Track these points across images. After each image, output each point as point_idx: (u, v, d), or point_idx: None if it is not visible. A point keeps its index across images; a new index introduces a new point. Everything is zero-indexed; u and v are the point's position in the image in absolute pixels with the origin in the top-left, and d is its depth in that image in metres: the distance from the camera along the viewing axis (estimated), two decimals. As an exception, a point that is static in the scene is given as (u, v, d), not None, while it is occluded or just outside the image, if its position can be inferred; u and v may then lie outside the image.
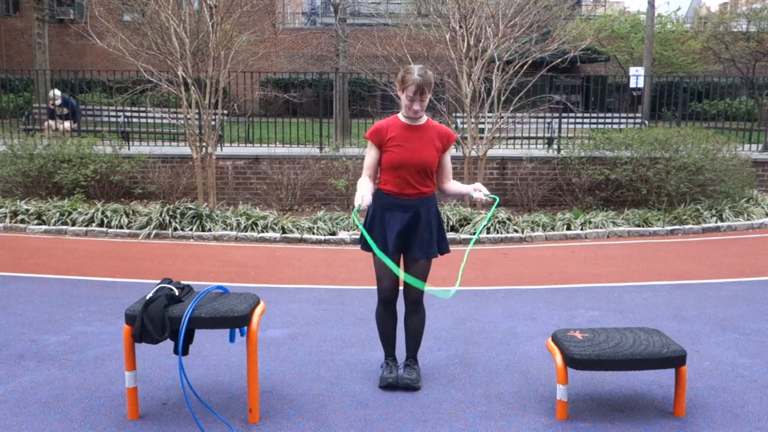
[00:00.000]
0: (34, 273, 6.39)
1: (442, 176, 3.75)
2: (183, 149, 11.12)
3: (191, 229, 8.47)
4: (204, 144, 9.53)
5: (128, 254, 7.38)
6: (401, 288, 3.78)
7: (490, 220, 3.82)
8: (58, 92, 12.40)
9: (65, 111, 12.37)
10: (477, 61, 9.50)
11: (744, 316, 5.13)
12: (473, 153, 9.85)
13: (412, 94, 3.47)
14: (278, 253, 7.60)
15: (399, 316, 3.92)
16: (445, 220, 8.68)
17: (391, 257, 3.60)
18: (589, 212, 9.32)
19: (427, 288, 3.54)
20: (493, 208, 3.78)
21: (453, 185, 3.80)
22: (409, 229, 3.62)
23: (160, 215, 8.56)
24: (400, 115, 3.66)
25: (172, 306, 3.27)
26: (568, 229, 8.74)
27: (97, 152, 10.08)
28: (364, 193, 3.44)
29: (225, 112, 10.69)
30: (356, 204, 3.40)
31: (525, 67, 9.54)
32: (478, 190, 3.61)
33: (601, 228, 8.71)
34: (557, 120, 12.11)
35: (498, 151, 11.31)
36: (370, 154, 3.67)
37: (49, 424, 3.30)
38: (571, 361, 3.26)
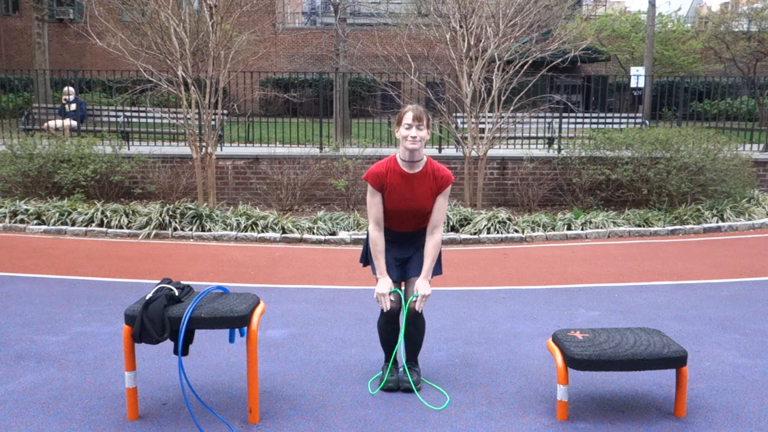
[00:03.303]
0: (33, 273, 6.39)
1: (430, 220, 3.67)
2: (183, 149, 11.12)
3: (191, 229, 8.47)
4: (204, 144, 9.52)
5: (128, 254, 7.38)
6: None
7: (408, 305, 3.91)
8: (72, 89, 12.48)
9: (73, 107, 12.40)
10: (477, 61, 9.49)
11: (745, 316, 5.12)
12: (473, 153, 9.84)
13: (410, 120, 3.49)
14: (278, 253, 7.59)
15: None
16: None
17: (396, 286, 3.68)
18: (589, 212, 9.31)
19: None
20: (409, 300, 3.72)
21: (428, 246, 3.63)
22: (407, 254, 3.77)
23: (160, 215, 8.55)
24: (399, 159, 3.62)
25: (172, 306, 3.26)
26: (569, 229, 8.73)
27: (96, 152, 10.08)
28: (387, 283, 3.58)
29: (225, 112, 10.68)
30: (382, 288, 3.57)
31: (525, 67, 9.53)
32: (420, 297, 3.56)
33: (601, 228, 8.70)
34: (558, 120, 12.11)
35: (498, 151, 11.31)
36: (375, 202, 3.62)
37: (49, 424, 3.29)
38: (572, 362, 3.25)
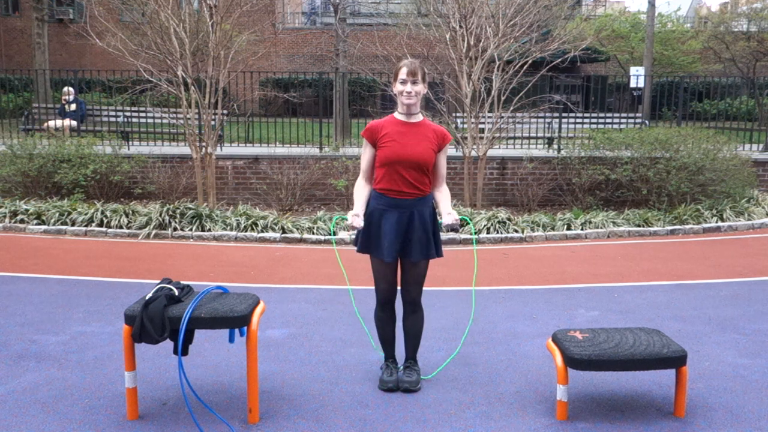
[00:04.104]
0: (33, 273, 6.39)
1: (434, 179, 3.73)
2: (183, 149, 11.11)
3: (191, 229, 8.47)
4: (204, 144, 9.53)
5: (128, 254, 7.38)
6: (399, 288, 3.78)
7: (474, 232, 4.06)
8: (71, 89, 12.47)
9: (73, 108, 12.41)
10: (477, 61, 9.49)
11: (744, 316, 5.12)
12: (473, 153, 9.84)
13: (405, 75, 3.53)
14: (278, 253, 7.59)
15: (398, 316, 3.91)
16: (445, 220, 8.67)
17: (390, 263, 3.64)
18: (589, 212, 9.31)
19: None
20: (472, 230, 3.83)
21: (438, 195, 3.76)
22: (406, 230, 3.62)
23: (160, 215, 8.55)
24: (396, 114, 3.68)
25: (172, 306, 3.26)
26: (569, 229, 8.73)
27: (96, 152, 10.08)
28: (356, 213, 3.56)
29: (225, 112, 10.69)
30: (347, 216, 3.54)
31: (525, 67, 9.53)
32: (449, 214, 3.63)
33: (601, 228, 8.71)
34: (557, 120, 12.11)
35: (498, 151, 11.31)
36: (366, 153, 3.69)
37: (49, 424, 3.29)
38: (572, 362, 3.26)
